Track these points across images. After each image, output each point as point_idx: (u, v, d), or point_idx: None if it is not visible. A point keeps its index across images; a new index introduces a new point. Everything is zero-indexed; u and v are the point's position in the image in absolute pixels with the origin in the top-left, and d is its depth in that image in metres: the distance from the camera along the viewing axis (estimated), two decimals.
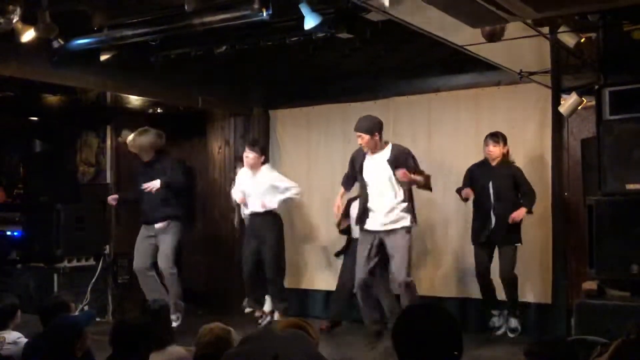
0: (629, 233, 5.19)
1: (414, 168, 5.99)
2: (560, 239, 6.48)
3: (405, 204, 5.97)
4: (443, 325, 2.12)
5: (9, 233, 8.11)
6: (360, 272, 6.03)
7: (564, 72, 6.19)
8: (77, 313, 5.06)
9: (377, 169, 6.02)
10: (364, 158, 6.10)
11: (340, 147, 7.65)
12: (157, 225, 6.81)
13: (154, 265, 6.89)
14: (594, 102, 5.58)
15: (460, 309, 6.91)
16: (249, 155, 6.95)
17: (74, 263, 7.63)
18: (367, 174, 6.08)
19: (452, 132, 7.12)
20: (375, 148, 5.98)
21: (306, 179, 7.98)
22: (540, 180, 6.57)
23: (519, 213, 6.21)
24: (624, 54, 5.34)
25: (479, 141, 6.55)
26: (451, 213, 7.03)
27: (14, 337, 4.24)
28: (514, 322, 6.38)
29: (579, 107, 5.81)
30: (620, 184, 5.24)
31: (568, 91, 5.91)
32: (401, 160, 5.95)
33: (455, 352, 2.09)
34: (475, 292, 6.71)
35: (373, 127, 5.94)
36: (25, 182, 9.09)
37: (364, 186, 6.12)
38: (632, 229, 5.18)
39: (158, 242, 6.85)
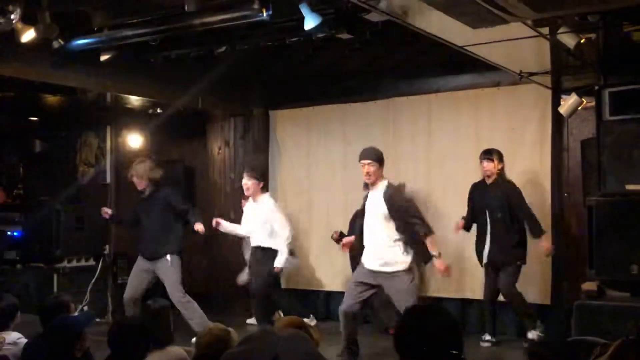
0: (628, 234, 5.19)
1: (411, 213, 5.49)
2: (560, 240, 6.49)
3: (400, 243, 5.43)
4: (444, 326, 2.12)
5: (8, 233, 8.12)
6: (349, 298, 5.61)
7: (563, 73, 6.21)
8: (76, 313, 5.06)
9: (373, 205, 5.57)
10: (367, 195, 5.66)
11: (340, 148, 7.66)
12: (162, 260, 6.67)
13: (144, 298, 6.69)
14: (593, 103, 5.58)
15: (460, 310, 6.91)
16: (247, 182, 6.77)
17: (74, 263, 7.64)
18: (367, 212, 5.62)
19: (451, 132, 7.12)
20: (377, 180, 5.52)
21: (306, 179, 7.99)
22: (540, 181, 6.58)
23: (547, 247, 6.12)
24: (623, 55, 5.35)
25: (478, 142, 6.56)
26: (450, 214, 7.01)
27: (14, 337, 4.23)
28: (532, 334, 6.14)
29: (579, 108, 5.81)
30: (620, 185, 5.24)
31: (568, 92, 5.92)
32: (396, 203, 5.45)
33: (456, 353, 2.09)
34: (474, 293, 6.71)
35: (381, 157, 5.53)
36: (25, 182, 9.10)
37: (361, 223, 5.70)
38: (632, 230, 5.19)
39: (159, 278, 6.71)
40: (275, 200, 7.16)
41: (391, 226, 5.46)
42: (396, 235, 5.45)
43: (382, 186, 5.52)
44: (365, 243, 5.61)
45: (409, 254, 5.43)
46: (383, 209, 5.45)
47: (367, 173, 5.48)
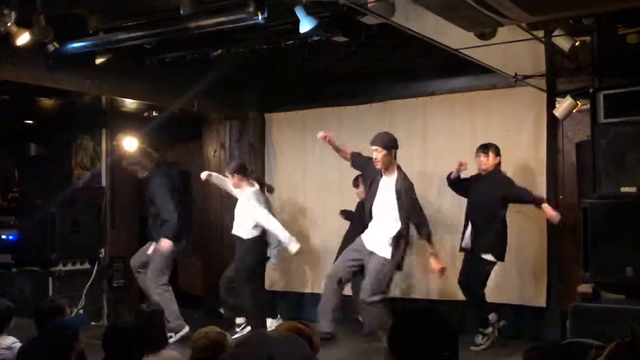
0: (623, 236, 5.20)
1: (418, 210, 5.92)
2: (555, 242, 6.51)
3: (393, 236, 5.78)
4: (439, 328, 2.11)
5: (3, 237, 8.09)
6: (341, 264, 5.99)
7: (558, 76, 6.23)
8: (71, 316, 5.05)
9: (385, 190, 5.89)
10: (381, 176, 5.92)
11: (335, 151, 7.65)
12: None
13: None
14: (588, 106, 5.59)
15: (456, 313, 6.90)
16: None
17: (69, 267, 7.61)
18: (378, 195, 5.92)
19: (447, 135, 7.14)
20: (390, 167, 5.85)
21: (302, 182, 7.99)
22: (535, 184, 6.59)
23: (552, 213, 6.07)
24: (618, 58, 5.36)
25: (474, 144, 6.56)
26: (447, 216, 7.03)
27: (9, 342, 4.22)
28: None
29: (574, 111, 5.83)
30: (614, 187, 5.25)
31: (563, 94, 5.93)
32: (407, 195, 5.82)
33: (451, 355, 2.08)
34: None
35: (390, 144, 5.83)
36: (20, 185, 9.08)
37: (371, 204, 5.95)
38: (627, 232, 5.19)
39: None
40: (271, 202, 7.17)
41: (391, 217, 5.76)
42: (397, 228, 5.76)
43: (394, 176, 5.83)
44: (370, 225, 5.92)
45: (392, 248, 5.75)
46: (393, 197, 5.78)
47: (376, 159, 5.79)
